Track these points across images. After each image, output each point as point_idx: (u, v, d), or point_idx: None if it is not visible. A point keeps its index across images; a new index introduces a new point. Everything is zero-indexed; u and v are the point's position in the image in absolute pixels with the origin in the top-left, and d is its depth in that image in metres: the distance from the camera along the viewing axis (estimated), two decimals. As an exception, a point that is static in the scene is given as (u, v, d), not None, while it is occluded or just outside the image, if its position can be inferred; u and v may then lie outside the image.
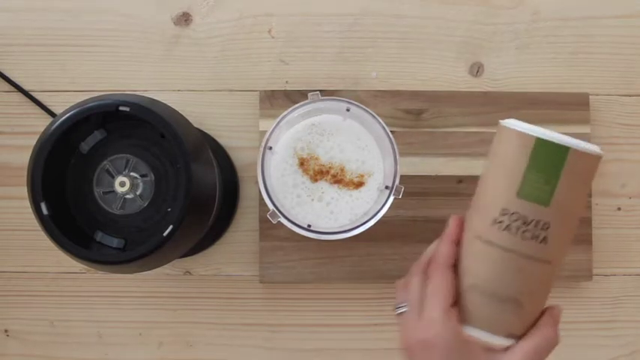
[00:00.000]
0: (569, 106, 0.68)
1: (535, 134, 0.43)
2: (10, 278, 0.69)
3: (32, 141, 0.54)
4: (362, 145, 0.62)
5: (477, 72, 0.70)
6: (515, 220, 0.44)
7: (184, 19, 0.70)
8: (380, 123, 0.60)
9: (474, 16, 0.70)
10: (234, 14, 0.70)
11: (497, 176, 0.45)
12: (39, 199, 0.52)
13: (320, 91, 0.61)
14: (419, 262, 0.49)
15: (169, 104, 0.58)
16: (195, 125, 0.63)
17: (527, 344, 0.45)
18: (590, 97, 0.69)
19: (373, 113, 0.60)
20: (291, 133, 0.62)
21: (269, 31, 0.70)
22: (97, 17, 0.69)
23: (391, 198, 0.59)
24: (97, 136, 0.56)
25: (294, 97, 0.67)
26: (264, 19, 0.70)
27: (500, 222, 0.44)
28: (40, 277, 0.69)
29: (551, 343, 0.46)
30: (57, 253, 0.54)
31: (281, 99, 0.67)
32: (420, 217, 0.67)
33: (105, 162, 0.56)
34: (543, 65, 0.70)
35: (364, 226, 0.59)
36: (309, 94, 0.60)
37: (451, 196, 0.67)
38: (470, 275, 0.45)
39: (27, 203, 0.53)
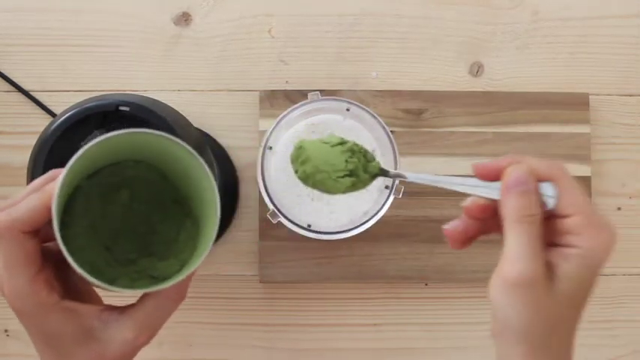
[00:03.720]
0: (569, 106, 0.68)
1: None
2: (10, 278, 0.69)
3: (32, 141, 0.54)
4: (362, 145, 0.62)
5: (477, 72, 0.70)
6: None
7: (184, 19, 0.70)
8: (380, 123, 0.60)
9: (474, 16, 0.70)
10: (234, 14, 0.70)
11: None
12: (39, 199, 0.52)
13: (320, 91, 0.61)
14: None
15: (169, 104, 0.58)
16: (195, 125, 0.63)
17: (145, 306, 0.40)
18: (590, 97, 0.69)
19: (373, 113, 0.60)
20: (291, 133, 0.62)
21: (269, 31, 0.70)
22: (97, 17, 0.69)
23: (391, 198, 0.59)
24: (97, 136, 0.56)
25: (294, 97, 0.67)
26: (264, 19, 0.70)
27: None
28: (40, 277, 0.68)
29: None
30: (57, 253, 0.54)
31: (281, 99, 0.67)
32: (420, 217, 0.67)
33: (105, 162, 0.55)
34: (543, 65, 0.70)
35: (364, 226, 0.59)
36: (309, 94, 0.60)
37: (451, 196, 0.67)
38: None
39: (27, 203, 0.53)
